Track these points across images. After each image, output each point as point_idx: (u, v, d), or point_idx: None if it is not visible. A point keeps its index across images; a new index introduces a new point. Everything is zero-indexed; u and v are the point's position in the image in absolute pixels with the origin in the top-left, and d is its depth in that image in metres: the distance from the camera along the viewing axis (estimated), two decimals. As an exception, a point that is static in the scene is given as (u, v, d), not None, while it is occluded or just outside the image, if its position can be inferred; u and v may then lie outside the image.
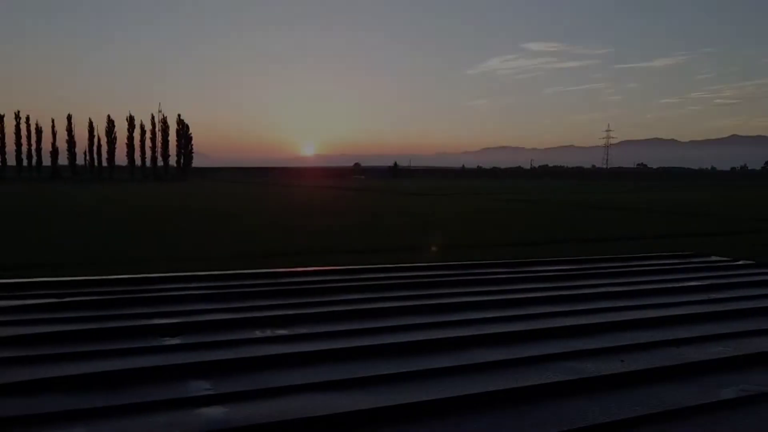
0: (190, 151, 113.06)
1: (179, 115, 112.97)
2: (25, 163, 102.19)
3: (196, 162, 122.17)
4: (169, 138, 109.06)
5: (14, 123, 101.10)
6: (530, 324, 3.12)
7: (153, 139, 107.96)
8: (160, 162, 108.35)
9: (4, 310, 3.12)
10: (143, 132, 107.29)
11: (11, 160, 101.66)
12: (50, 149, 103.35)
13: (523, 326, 3.07)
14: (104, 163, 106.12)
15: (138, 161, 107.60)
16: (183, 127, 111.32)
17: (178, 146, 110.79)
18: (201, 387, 2.17)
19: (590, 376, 2.38)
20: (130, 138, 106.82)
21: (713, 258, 5.51)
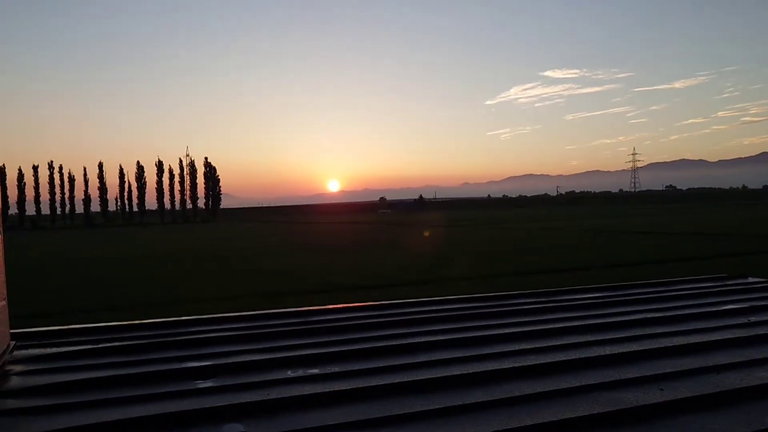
0: (218, 193, 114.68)
1: (206, 158, 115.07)
2: (59, 211, 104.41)
3: (224, 203, 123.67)
4: (197, 180, 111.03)
5: (48, 173, 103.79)
6: (566, 354, 3.07)
7: (182, 182, 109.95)
8: (188, 205, 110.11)
9: (42, 358, 3.16)
10: (172, 176, 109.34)
11: (45, 209, 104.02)
12: (83, 197, 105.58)
13: (559, 357, 3.01)
14: (135, 208, 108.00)
15: (167, 204, 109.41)
16: (210, 170, 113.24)
17: (206, 188, 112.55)
18: (236, 429, 2.17)
19: (629, 407, 2.32)
20: (159, 182, 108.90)
21: (750, 279, 5.38)
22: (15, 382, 2.76)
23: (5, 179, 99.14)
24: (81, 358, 3.18)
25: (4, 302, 3.07)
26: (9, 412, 2.38)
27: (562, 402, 2.40)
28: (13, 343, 3.22)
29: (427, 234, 42.22)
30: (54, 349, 3.32)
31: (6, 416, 2.34)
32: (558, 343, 3.31)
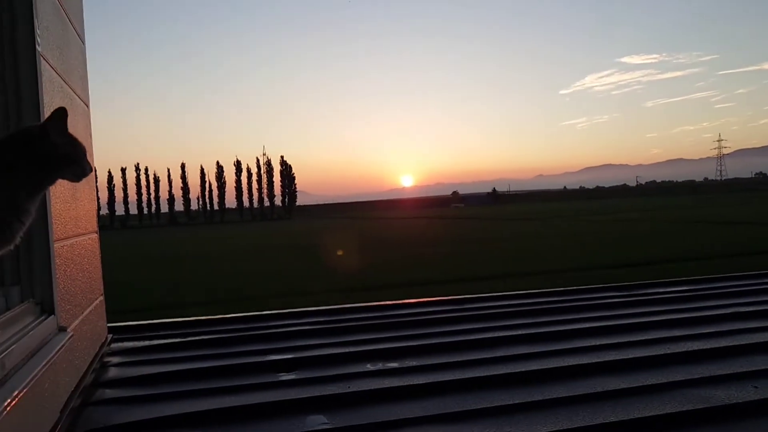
0: (294, 190, 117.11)
1: (282, 157, 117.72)
2: (145, 211, 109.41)
3: (299, 200, 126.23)
4: (274, 179, 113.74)
5: (134, 174, 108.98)
6: (650, 350, 2.97)
7: (259, 181, 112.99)
8: (266, 203, 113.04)
9: (136, 351, 3.34)
10: (249, 175, 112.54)
11: (133, 209, 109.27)
12: (167, 197, 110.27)
13: (643, 352, 2.92)
14: (215, 207, 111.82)
15: (246, 203, 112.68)
16: (286, 168, 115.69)
17: (282, 186, 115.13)
18: (318, 421, 2.23)
19: (720, 405, 2.23)
20: (238, 181, 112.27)
21: None
22: (113, 373, 2.93)
23: (96, 181, 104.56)
24: (171, 350, 3.34)
25: (101, 297, 3.25)
26: (108, 402, 2.53)
27: (648, 399, 2.33)
28: (110, 336, 3.42)
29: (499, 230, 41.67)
30: (146, 342, 3.50)
31: (106, 405, 2.49)
32: (642, 338, 3.21)
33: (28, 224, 1.56)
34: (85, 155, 1.56)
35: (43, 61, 2.21)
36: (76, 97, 2.95)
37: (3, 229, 1.48)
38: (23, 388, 1.56)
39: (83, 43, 3.24)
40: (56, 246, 2.24)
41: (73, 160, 1.55)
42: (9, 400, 1.44)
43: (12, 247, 1.56)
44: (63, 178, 1.55)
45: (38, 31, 2.17)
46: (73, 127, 2.77)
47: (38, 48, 2.16)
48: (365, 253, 26.23)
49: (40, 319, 2.05)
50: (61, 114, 1.51)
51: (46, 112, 2.19)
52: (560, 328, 3.48)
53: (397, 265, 21.29)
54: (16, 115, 2.11)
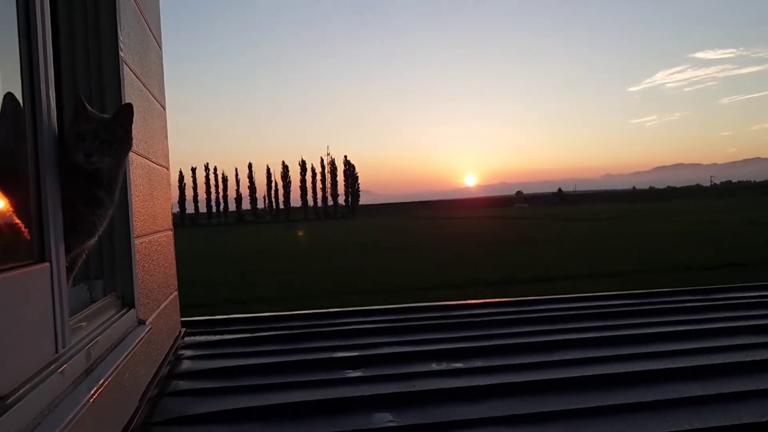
0: (357, 190, 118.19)
1: (345, 156, 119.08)
2: (214, 209, 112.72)
3: (361, 199, 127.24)
4: (337, 178, 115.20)
5: (204, 174, 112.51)
6: (728, 357, 2.86)
7: (323, 180, 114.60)
8: (329, 201, 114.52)
9: (209, 345, 3.46)
10: (314, 174, 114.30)
11: (202, 208, 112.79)
12: (235, 196, 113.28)
13: (722, 359, 2.81)
14: (281, 206, 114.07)
15: (310, 202, 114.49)
16: (349, 167, 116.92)
17: (345, 185, 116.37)
18: (384, 419, 2.25)
19: (806, 416, 2.12)
20: (303, 181, 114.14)
21: None
22: (186, 365, 3.04)
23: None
24: (242, 345, 3.43)
25: (175, 292, 3.38)
26: (182, 393, 2.62)
27: (725, 407, 2.24)
28: (183, 330, 3.55)
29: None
30: (218, 337, 3.61)
31: (180, 396, 2.58)
32: (718, 344, 3.09)
33: (108, 216, 1.64)
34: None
35: (125, 66, 2.32)
36: (154, 100, 3.07)
37: (84, 221, 1.56)
38: (107, 377, 1.64)
39: (160, 48, 3.37)
40: (136, 242, 2.35)
41: (126, 153, 1.67)
42: (95, 389, 1.52)
43: (95, 239, 1.65)
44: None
45: (121, 38, 2.28)
46: (150, 127, 2.90)
47: (121, 54, 2.27)
48: (447, 250, 26.32)
49: (122, 312, 2.15)
50: (128, 108, 1.65)
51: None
52: (630, 332, 3.39)
53: (488, 262, 21.19)
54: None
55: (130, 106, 1.65)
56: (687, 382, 2.55)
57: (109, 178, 1.61)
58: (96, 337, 1.75)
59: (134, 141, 2.40)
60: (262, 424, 2.29)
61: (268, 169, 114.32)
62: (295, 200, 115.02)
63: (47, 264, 1.38)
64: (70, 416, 1.30)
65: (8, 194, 1.30)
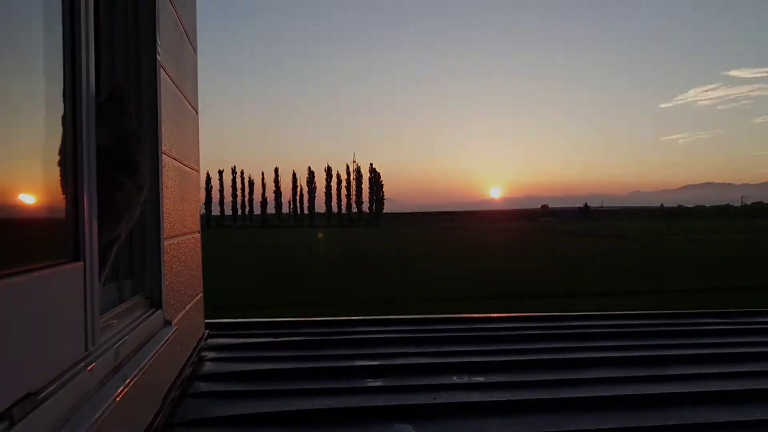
0: (382, 198, 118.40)
1: (371, 164, 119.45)
2: (239, 212, 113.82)
3: (386, 207, 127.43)
4: (363, 186, 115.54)
5: (231, 177, 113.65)
6: (754, 383, 2.80)
7: (348, 187, 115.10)
8: (354, 209, 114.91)
9: (230, 348, 3.49)
10: (339, 181, 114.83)
11: (227, 210, 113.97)
12: (260, 199, 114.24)
13: (750, 385, 2.76)
14: (305, 211, 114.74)
15: (334, 208, 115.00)
16: (375, 175, 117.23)
17: (370, 193, 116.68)
18: (405, 430, 2.24)
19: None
20: (328, 187, 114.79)
21: None
22: (208, 367, 3.07)
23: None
24: (264, 349, 3.45)
25: (201, 294, 3.42)
26: (204, 395, 2.65)
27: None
28: (206, 332, 3.58)
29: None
30: (240, 340, 3.64)
31: (202, 398, 2.61)
32: (745, 369, 3.04)
33: (132, 202, 1.66)
34: None
35: (161, 71, 2.36)
36: (188, 104, 3.12)
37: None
38: (134, 377, 1.67)
39: (196, 53, 3.43)
40: (165, 244, 2.38)
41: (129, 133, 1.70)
42: (122, 388, 1.55)
43: (122, 228, 1.66)
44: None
45: (159, 42, 2.33)
46: (183, 131, 2.94)
47: (159, 58, 2.31)
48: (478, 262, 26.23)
49: (149, 312, 2.18)
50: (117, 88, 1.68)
51: (162, 118, 2.34)
52: (655, 353, 3.34)
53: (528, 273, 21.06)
54: (134, 118, 2.26)
55: (118, 87, 1.69)
56: (708, 407, 2.51)
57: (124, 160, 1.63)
58: (124, 337, 1.78)
59: (167, 143, 2.44)
60: (281, 430, 2.30)
61: (294, 174, 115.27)
62: (319, 206, 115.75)
63: (81, 263, 1.41)
64: (98, 414, 1.32)
65: (45, 193, 1.34)
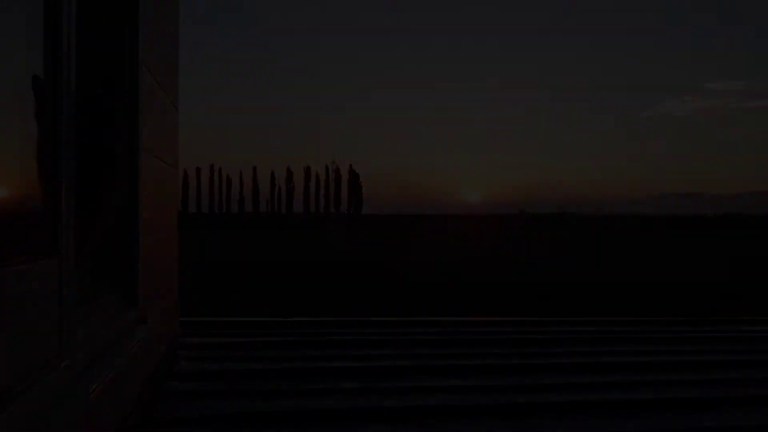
0: (360, 199, 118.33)
1: (350, 165, 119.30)
2: (216, 210, 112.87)
3: (365, 209, 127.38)
4: (341, 187, 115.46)
5: (209, 174, 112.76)
6: (718, 391, 2.86)
7: (327, 188, 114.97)
8: (332, 209, 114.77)
9: (203, 347, 3.47)
10: (318, 182, 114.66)
11: (204, 208, 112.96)
12: (237, 198, 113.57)
13: (709, 394, 2.81)
14: (283, 211, 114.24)
15: (312, 209, 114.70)
16: (353, 177, 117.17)
17: (349, 195, 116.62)
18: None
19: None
20: (306, 187, 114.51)
21: None
22: (183, 366, 3.06)
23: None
24: (238, 349, 3.44)
25: (177, 293, 3.40)
26: (178, 393, 2.64)
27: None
28: (182, 331, 3.56)
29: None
30: (216, 339, 3.62)
31: (176, 396, 2.59)
32: (713, 377, 3.10)
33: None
34: None
35: (143, 68, 2.35)
36: (168, 101, 3.10)
37: None
38: (108, 374, 1.66)
39: (177, 49, 3.41)
40: (142, 241, 2.36)
41: None
42: (96, 384, 1.54)
43: None
44: None
45: (141, 40, 2.31)
46: (163, 127, 2.93)
47: (140, 56, 2.30)
48: None
49: (124, 310, 2.16)
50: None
51: (142, 112, 2.33)
52: (626, 359, 3.39)
53: None
54: (116, 113, 2.25)
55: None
56: (681, 412, 2.56)
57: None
58: (98, 334, 1.77)
59: (146, 141, 2.43)
60: (261, 429, 2.30)
61: (273, 174, 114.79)
62: (297, 206, 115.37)
63: (56, 259, 1.40)
64: (71, 411, 1.31)
65: (23, 189, 1.33)
